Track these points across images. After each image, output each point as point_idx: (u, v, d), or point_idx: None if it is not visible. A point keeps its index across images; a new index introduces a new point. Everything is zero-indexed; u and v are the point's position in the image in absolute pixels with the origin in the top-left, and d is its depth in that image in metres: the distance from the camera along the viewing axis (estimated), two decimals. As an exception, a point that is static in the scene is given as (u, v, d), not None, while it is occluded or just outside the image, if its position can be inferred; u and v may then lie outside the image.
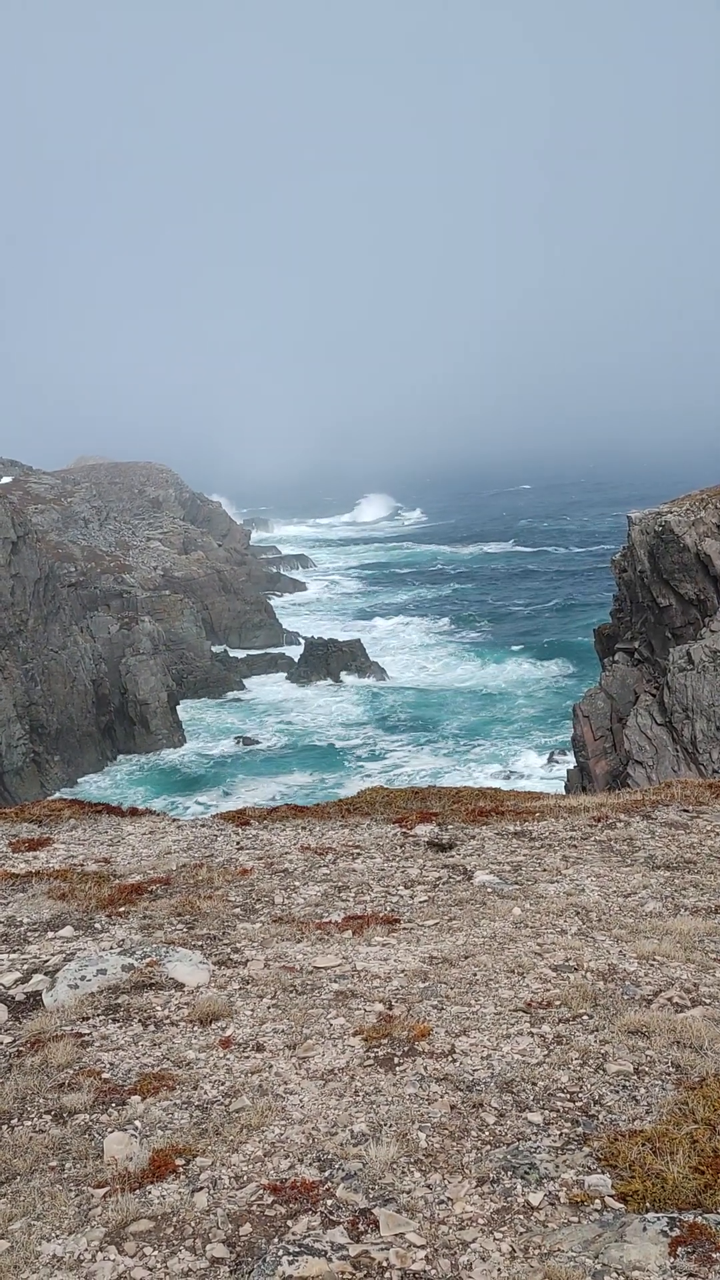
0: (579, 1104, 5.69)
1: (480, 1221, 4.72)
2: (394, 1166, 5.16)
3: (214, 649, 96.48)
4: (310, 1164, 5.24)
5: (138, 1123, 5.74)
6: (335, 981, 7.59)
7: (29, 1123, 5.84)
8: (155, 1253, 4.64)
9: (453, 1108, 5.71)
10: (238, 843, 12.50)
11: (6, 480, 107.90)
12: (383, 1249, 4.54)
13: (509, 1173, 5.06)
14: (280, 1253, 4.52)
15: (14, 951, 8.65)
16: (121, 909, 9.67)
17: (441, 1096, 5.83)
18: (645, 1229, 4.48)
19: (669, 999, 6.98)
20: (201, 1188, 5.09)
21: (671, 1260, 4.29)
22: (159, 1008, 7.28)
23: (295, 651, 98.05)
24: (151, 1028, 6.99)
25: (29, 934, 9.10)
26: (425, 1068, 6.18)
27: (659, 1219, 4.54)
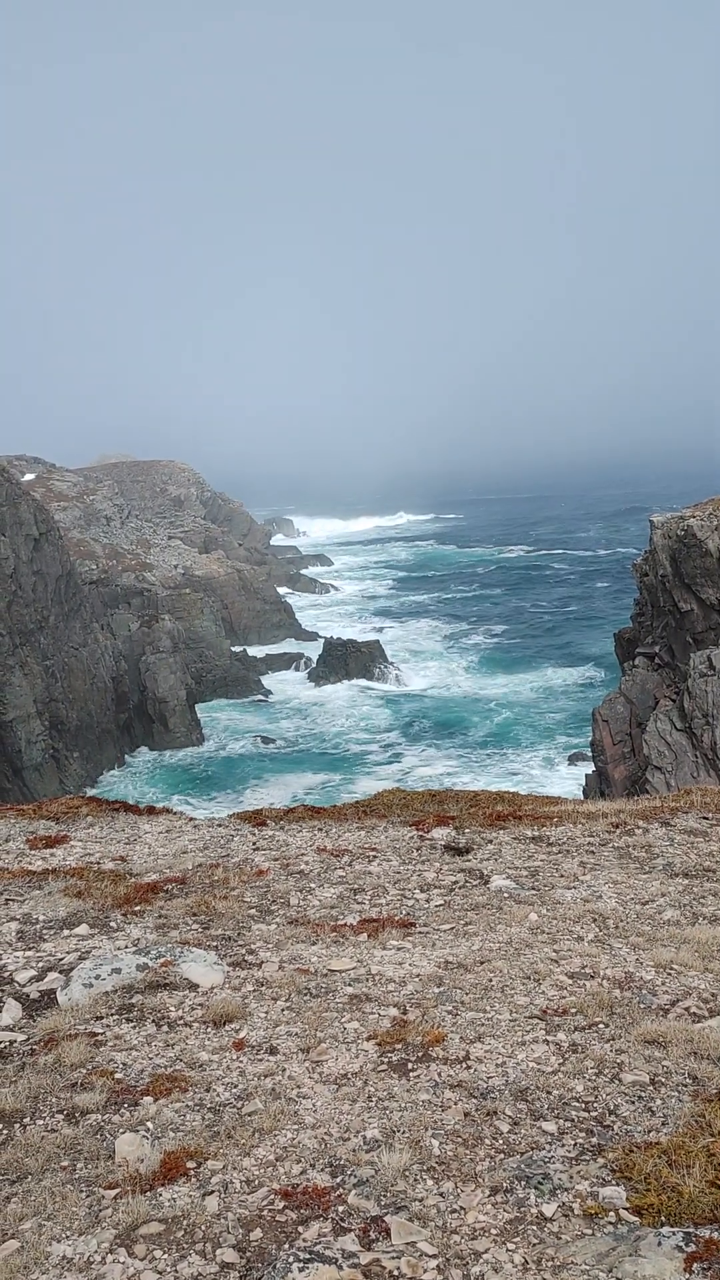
0: (594, 1114, 5.64)
1: (493, 1232, 4.67)
2: (406, 1174, 5.12)
3: (233, 648, 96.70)
4: (322, 1169, 5.21)
5: (150, 1124, 5.73)
6: (350, 985, 7.56)
7: (41, 1122, 5.83)
8: (165, 1256, 4.62)
9: (466, 1115, 5.66)
10: (254, 843, 12.49)
11: (30, 477, 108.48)
12: (394, 1257, 4.50)
13: (522, 1182, 5.01)
14: (291, 1259, 4.48)
15: (30, 949, 8.66)
16: (137, 908, 9.67)
17: (455, 1103, 5.79)
18: (660, 1243, 4.42)
19: (686, 1009, 6.91)
20: (212, 1191, 5.07)
21: (687, 1276, 4.23)
22: (173, 1008, 7.26)
23: (314, 651, 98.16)
24: (165, 1028, 6.97)
25: (45, 932, 9.11)
26: (439, 1074, 6.13)
27: (674, 1233, 4.48)
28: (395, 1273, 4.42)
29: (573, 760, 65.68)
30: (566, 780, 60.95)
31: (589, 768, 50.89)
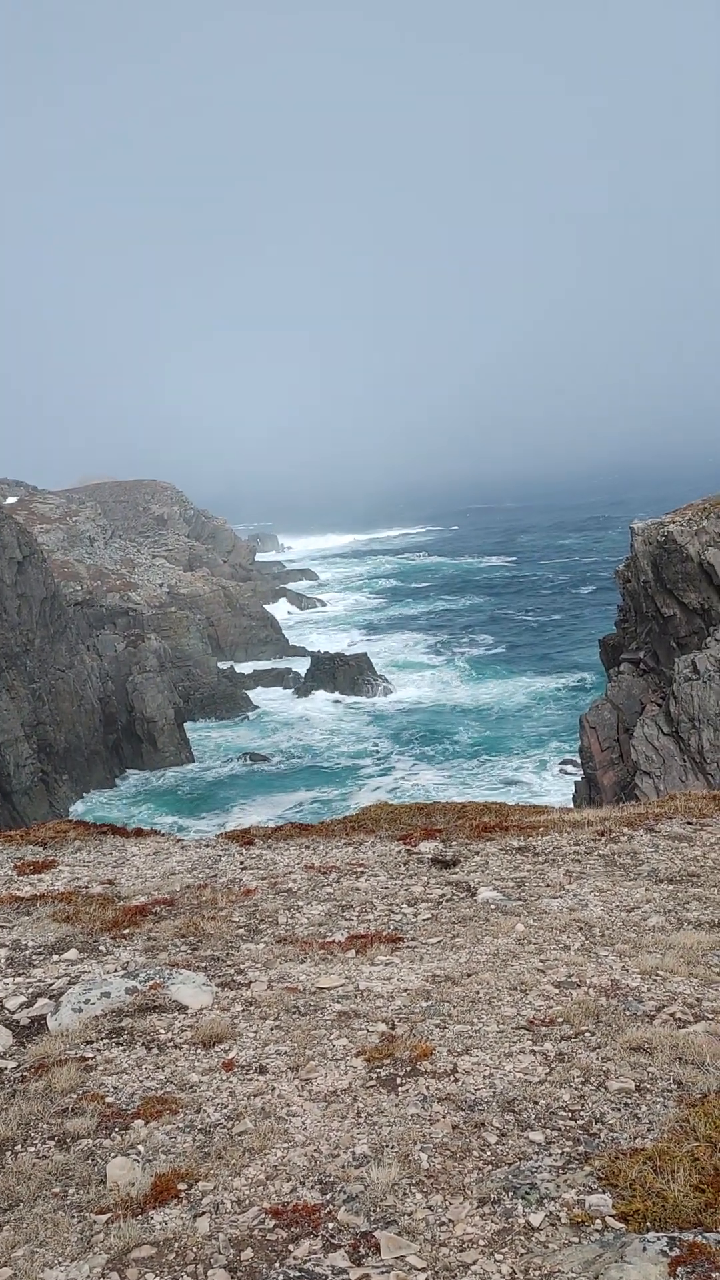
0: (580, 1122, 5.69)
1: (481, 1243, 4.72)
2: (395, 1188, 5.17)
3: (220, 665, 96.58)
4: (312, 1187, 5.25)
5: (140, 1147, 5.76)
6: (338, 1002, 7.60)
7: (32, 1149, 5.86)
8: (157, 1279, 4.65)
9: (454, 1128, 5.72)
10: (242, 862, 12.52)
11: (11, 501, 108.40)
12: (383, 1272, 4.55)
13: (510, 1193, 5.07)
14: (281, 1278, 4.53)
15: (19, 975, 8.67)
16: (126, 931, 9.69)
17: (443, 1117, 5.84)
18: (645, 1249, 4.47)
19: (671, 1015, 6.98)
20: (203, 1212, 5.10)
21: (671, 1280, 4.29)
22: (162, 1030, 7.29)
23: (302, 666, 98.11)
24: (155, 1051, 7.00)
25: (34, 957, 9.12)
26: (427, 1088, 6.18)
27: (659, 1238, 4.54)
28: (385, 1287, 4.46)
29: (563, 768, 65.82)
30: (558, 788, 61.06)
31: (578, 774, 50.98)
